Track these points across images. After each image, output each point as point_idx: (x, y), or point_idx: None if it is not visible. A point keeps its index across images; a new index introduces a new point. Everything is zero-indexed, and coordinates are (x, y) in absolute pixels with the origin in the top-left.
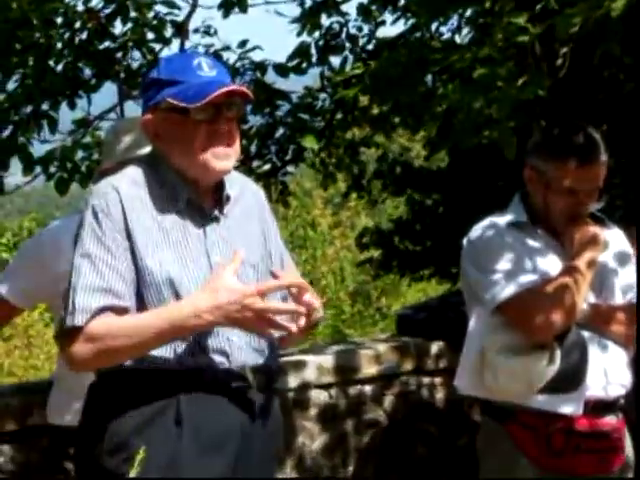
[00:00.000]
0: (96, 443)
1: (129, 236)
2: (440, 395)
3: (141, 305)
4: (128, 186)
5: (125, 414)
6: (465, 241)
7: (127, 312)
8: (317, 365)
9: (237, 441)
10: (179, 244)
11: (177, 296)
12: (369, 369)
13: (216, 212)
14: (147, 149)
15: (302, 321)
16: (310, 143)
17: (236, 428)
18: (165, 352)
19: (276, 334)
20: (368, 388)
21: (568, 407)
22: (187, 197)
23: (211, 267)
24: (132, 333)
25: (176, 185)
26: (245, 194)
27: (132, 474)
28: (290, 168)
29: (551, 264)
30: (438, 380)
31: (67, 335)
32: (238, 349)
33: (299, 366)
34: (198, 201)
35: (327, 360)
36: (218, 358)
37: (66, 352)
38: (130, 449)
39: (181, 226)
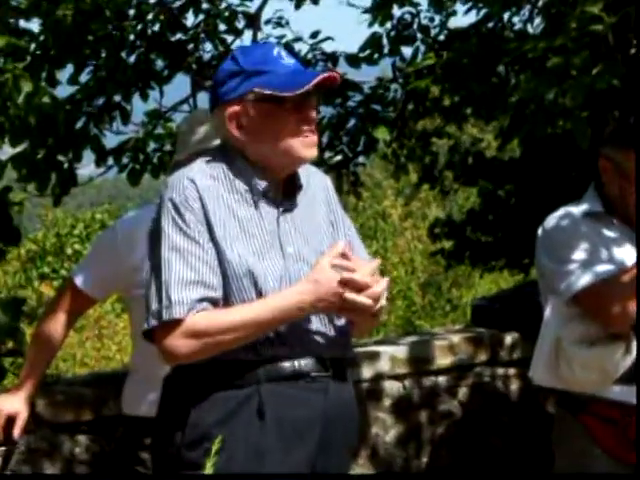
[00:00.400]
0: (175, 435)
1: (210, 228)
2: (514, 386)
3: (226, 297)
4: (204, 178)
5: (206, 406)
6: (540, 231)
7: (219, 303)
8: (391, 356)
9: (317, 431)
10: (254, 235)
11: (256, 287)
12: (443, 360)
13: (288, 202)
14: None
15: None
16: (382, 134)
17: (316, 418)
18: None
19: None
20: (442, 379)
21: None
22: (262, 188)
23: (284, 258)
24: (238, 326)
25: (251, 176)
26: (312, 183)
27: (211, 465)
28: (361, 159)
29: (627, 254)
30: (512, 371)
31: (164, 329)
32: (315, 339)
33: (373, 357)
34: (272, 192)
35: (401, 351)
36: (297, 348)
37: (164, 346)
38: (212, 441)
39: (255, 217)
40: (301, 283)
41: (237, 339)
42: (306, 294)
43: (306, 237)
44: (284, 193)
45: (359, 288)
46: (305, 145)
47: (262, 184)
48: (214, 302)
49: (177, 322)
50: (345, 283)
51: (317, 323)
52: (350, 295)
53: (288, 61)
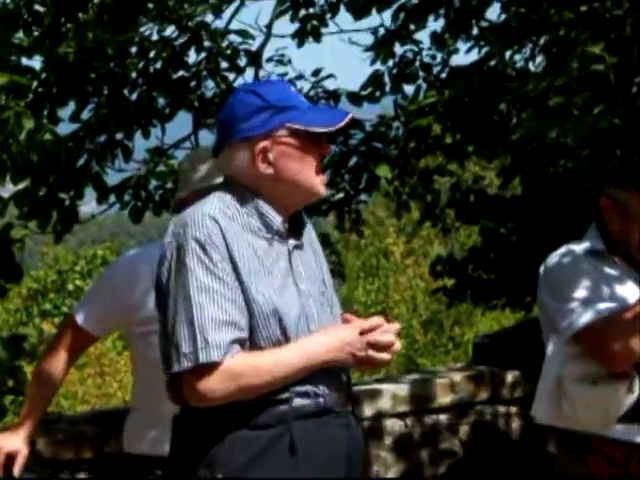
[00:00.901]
0: (201, 476)
1: (234, 266)
2: (516, 425)
3: (250, 336)
4: (222, 216)
5: (236, 445)
6: (542, 269)
7: (247, 343)
8: (392, 394)
9: (343, 466)
10: (272, 273)
11: (280, 325)
12: (444, 398)
13: (296, 239)
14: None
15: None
16: (384, 172)
17: (342, 453)
18: None
19: None
20: (443, 417)
21: None
22: (278, 225)
23: (299, 295)
24: (274, 369)
25: (267, 213)
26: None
27: None
28: (363, 197)
29: (629, 292)
30: (514, 409)
31: (199, 371)
32: (332, 376)
33: (374, 395)
34: (284, 228)
35: (402, 389)
36: (320, 385)
37: (199, 388)
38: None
39: (271, 254)
40: (329, 338)
41: (271, 383)
42: (334, 341)
43: (309, 274)
44: (290, 230)
45: (383, 347)
46: (322, 182)
47: (278, 220)
48: (243, 342)
49: (214, 365)
50: (371, 344)
51: None
52: (373, 353)
53: (303, 99)
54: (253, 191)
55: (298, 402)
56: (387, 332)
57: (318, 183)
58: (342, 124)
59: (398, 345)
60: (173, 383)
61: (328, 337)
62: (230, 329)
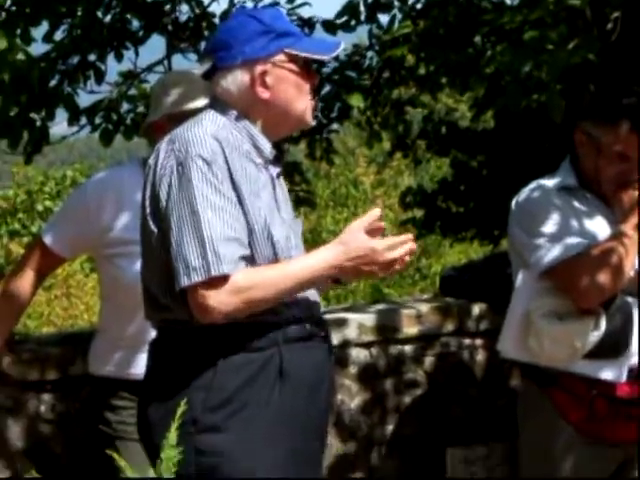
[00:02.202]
0: (193, 399)
1: (234, 186)
2: (481, 357)
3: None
4: (222, 135)
5: (229, 369)
6: (513, 203)
7: (249, 261)
8: (358, 324)
9: (326, 390)
10: (261, 197)
11: (273, 247)
12: (410, 329)
13: (278, 168)
14: (196, 103)
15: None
16: (356, 101)
17: (326, 378)
18: None
19: None
20: (409, 348)
21: (610, 373)
22: (269, 151)
23: (283, 222)
24: (278, 284)
25: (259, 139)
26: None
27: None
28: (335, 126)
29: (600, 229)
30: (479, 342)
31: (209, 285)
32: (314, 299)
33: (340, 324)
34: (272, 156)
35: (368, 319)
36: (305, 308)
37: (209, 302)
38: (235, 403)
39: (259, 180)
40: (331, 245)
41: (275, 297)
42: (338, 253)
43: (286, 203)
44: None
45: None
46: (310, 111)
47: (267, 147)
48: (247, 260)
49: (224, 278)
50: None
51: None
52: (392, 255)
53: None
54: (245, 115)
55: (287, 326)
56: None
57: (308, 111)
58: (336, 52)
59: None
60: (163, 302)
61: (334, 252)
62: (237, 245)
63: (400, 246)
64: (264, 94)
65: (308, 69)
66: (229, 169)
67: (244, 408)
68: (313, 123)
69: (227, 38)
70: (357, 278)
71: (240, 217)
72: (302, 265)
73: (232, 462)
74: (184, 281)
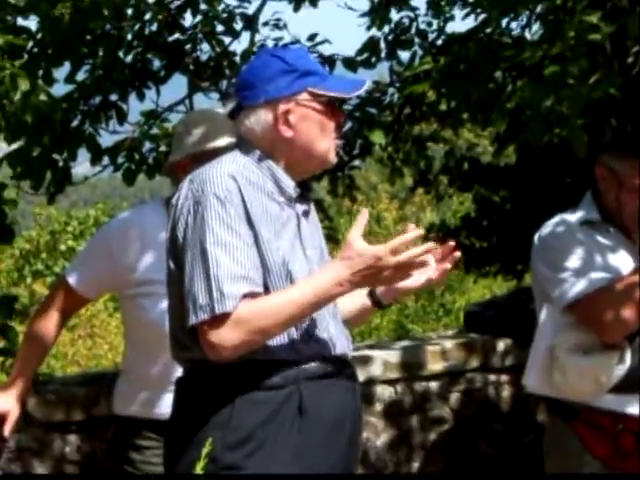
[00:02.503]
0: (212, 438)
1: (250, 226)
2: (506, 393)
3: (265, 292)
4: (241, 177)
5: (247, 407)
6: (536, 238)
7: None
8: (383, 360)
9: (348, 430)
10: (282, 237)
11: (291, 283)
12: (435, 365)
13: (304, 206)
14: (218, 142)
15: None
16: (378, 138)
17: (347, 416)
18: (282, 341)
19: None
20: (434, 385)
21: (637, 408)
22: (292, 190)
23: (307, 261)
24: (280, 310)
25: (281, 177)
26: None
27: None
28: (357, 162)
29: (623, 263)
30: (504, 378)
31: (214, 323)
32: (337, 337)
33: (365, 361)
34: (296, 194)
35: (393, 355)
36: (327, 346)
37: (213, 339)
38: (253, 442)
39: (281, 218)
40: (332, 262)
41: (281, 324)
42: (341, 271)
43: (314, 242)
44: (298, 197)
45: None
46: (334, 151)
47: (291, 185)
48: (257, 297)
49: (227, 315)
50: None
51: (335, 324)
52: (396, 259)
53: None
54: (268, 155)
55: (307, 364)
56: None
57: (331, 150)
58: (361, 90)
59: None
60: (182, 341)
61: (336, 269)
62: (245, 283)
63: (406, 247)
64: (287, 133)
65: (332, 108)
66: (245, 207)
67: (263, 446)
68: (334, 162)
69: (251, 78)
70: (379, 285)
71: (253, 255)
72: (305, 288)
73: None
74: (192, 319)
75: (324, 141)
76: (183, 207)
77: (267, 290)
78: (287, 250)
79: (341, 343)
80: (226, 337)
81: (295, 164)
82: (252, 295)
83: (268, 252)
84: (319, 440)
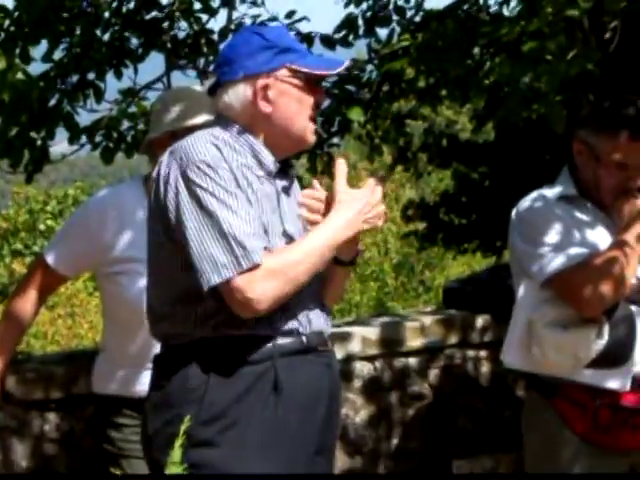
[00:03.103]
0: (186, 414)
1: (241, 189)
2: (485, 369)
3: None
4: (223, 144)
5: (222, 383)
6: (513, 213)
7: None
8: (362, 337)
9: (325, 405)
10: (264, 210)
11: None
12: (414, 342)
13: (281, 182)
14: (196, 119)
15: None
16: (356, 115)
17: (324, 392)
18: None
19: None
20: (413, 361)
21: (615, 382)
22: (272, 165)
23: (284, 234)
24: (305, 258)
25: (261, 151)
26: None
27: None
28: (336, 140)
29: (600, 238)
30: (483, 353)
31: (242, 278)
32: (313, 312)
33: (344, 338)
34: (275, 169)
35: (372, 332)
36: (304, 322)
37: (247, 295)
38: (227, 418)
39: (261, 191)
40: (334, 209)
41: (307, 272)
42: (346, 213)
43: (293, 217)
44: (278, 173)
45: None
46: (312, 130)
47: (270, 159)
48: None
49: (256, 268)
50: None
51: (312, 300)
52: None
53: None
54: (247, 130)
55: (282, 340)
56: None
57: (310, 130)
58: (340, 69)
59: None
60: (161, 314)
61: (344, 213)
62: (259, 238)
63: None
64: (266, 108)
65: (311, 85)
66: (233, 173)
67: (236, 423)
68: (313, 142)
69: (230, 54)
70: (373, 224)
71: (254, 213)
72: (320, 235)
73: (225, 477)
74: (214, 279)
75: (302, 118)
76: (169, 177)
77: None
78: (266, 222)
79: (317, 319)
80: (263, 289)
81: (274, 140)
82: (267, 250)
83: (260, 213)
84: (294, 416)
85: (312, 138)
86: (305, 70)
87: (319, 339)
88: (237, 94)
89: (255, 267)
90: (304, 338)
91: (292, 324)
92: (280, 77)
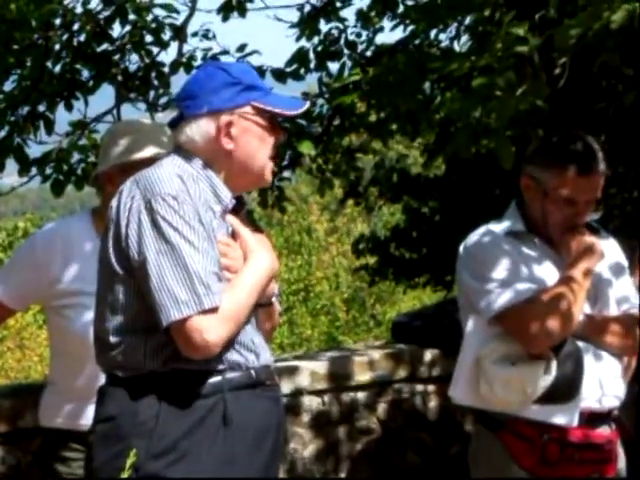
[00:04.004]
0: (136, 447)
1: (202, 224)
2: (433, 403)
3: None
4: (188, 177)
5: (172, 416)
6: (461, 248)
7: None
8: (310, 371)
9: (273, 439)
10: (214, 245)
11: None
12: (363, 376)
13: (236, 219)
14: (144, 152)
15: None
16: (307, 149)
17: (272, 426)
18: None
19: None
20: (361, 395)
21: (562, 418)
22: (229, 201)
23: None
24: (248, 300)
25: (219, 188)
26: None
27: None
28: (287, 173)
29: (548, 273)
30: (431, 388)
31: (199, 317)
32: (260, 347)
33: (292, 372)
34: (231, 206)
35: (321, 366)
36: (251, 357)
37: (203, 336)
38: (177, 452)
39: (215, 228)
40: (253, 254)
41: (248, 311)
42: (267, 254)
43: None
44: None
45: None
46: (270, 169)
47: (228, 196)
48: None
49: (215, 309)
50: None
51: (257, 334)
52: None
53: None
54: (208, 165)
55: (231, 374)
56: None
57: (269, 168)
58: (301, 111)
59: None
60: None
61: (258, 256)
62: (218, 278)
63: None
64: (228, 145)
65: (274, 124)
66: (195, 206)
67: (186, 455)
68: (270, 181)
69: (194, 88)
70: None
71: (213, 253)
72: (253, 278)
73: None
74: (174, 315)
75: (262, 156)
76: (132, 207)
77: None
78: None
79: (265, 353)
80: (220, 333)
81: (233, 177)
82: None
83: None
84: (243, 450)
85: (269, 177)
86: (269, 109)
87: (267, 373)
88: (200, 129)
89: (215, 309)
90: (252, 372)
91: (241, 358)
92: (244, 115)
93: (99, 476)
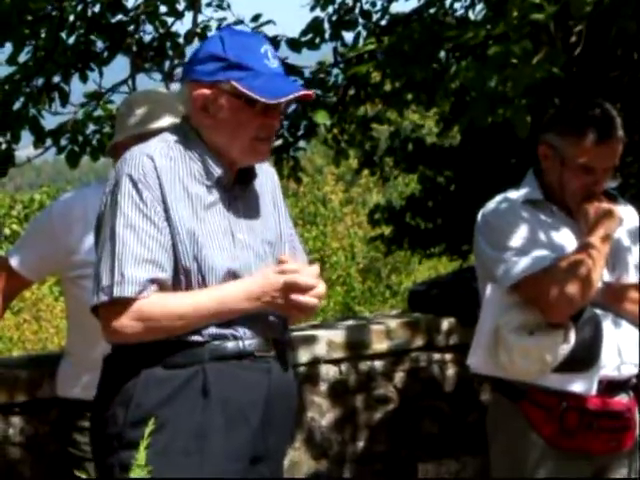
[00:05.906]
0: (118, 414)
1: (165, 207)
2: (450, 372)
3: (174, 276)
4: (162, 157)
5: (150, 385)
6: (479, 216)
7: (169, 284)
8: (328, 340)
9: (261, 411)
10: (206, 219)
11: (201, 271)
12: (380, 345)
13: (239, 190)
14: (161, 122)
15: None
16: (322, 119)
17: (260, 398)
18: None
19: None
20: (378, 364)
21: (581, 386)
22: (217, 175)
23: (234, 244)
24: (187, 315)
25: (209, 161)
26: (260, 173)
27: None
28: (302, 144)
29: (566, 241)
30: (448, 356)
31: (113, 306)
32: (257, 320)
33: (310, 341)
34: (225, 179)
35: (338, 335)
36: (240, 329)
37: (110, 324)
38: (156, 421)
39: (208, 201)
40: (247, 278)
41: (184, 327)
42: (253, 285)
43: (253, 226)
44: (237, 180)
45: (303, 290)
46: (263, 145)
47: (217, 171)
48: (163, 283)
49: (127, 301)
50: (290, 286)
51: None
52: (296, 297)
53: (272, 63)
54: (203, 138)
55: (215, 344)
56: (306, 275)
57: (251, 150)
58: (285, 99)
59: (322, 288)
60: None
61: (250, 284)
62: (150, 267)
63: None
64: (205, 119)
65: (258, 108)
66: (161, 190)
67: (164, 425)
68: (260, 161)
69: (194, 52)
70: (279, 310)
71: (164, 240)
72: (214, 295)
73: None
74: (93, 300)
75: (241, 137)
76: (107, 187)
77: (176, 274)
78: (205, 234)
79: (262, 326)
80: (125, 325)
81: (219, 151)
82: (157, 281)
83: (181, 236)
84: (225, 420)
85: (253, 160)
86: (244, 92)
87: (259, 344)
88: (184, 96)
89: (128, 301)
90: (240, 343)
91: (228, 329)
92: (221, 92)
93: (97, 445)
